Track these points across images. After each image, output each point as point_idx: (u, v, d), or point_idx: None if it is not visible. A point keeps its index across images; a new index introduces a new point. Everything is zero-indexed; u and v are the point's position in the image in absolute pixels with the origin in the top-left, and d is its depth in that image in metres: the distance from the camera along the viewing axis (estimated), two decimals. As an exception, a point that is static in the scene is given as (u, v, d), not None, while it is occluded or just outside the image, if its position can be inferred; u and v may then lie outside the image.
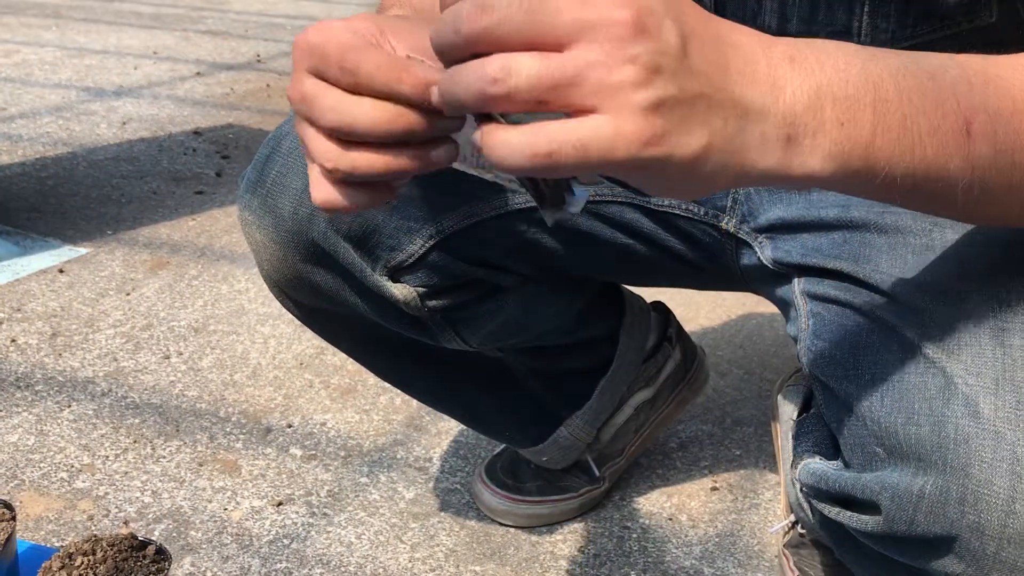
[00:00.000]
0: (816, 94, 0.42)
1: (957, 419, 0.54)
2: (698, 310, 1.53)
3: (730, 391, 1.32)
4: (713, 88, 0.40)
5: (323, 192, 0.45)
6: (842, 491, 0.62)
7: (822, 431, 0.67)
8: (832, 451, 0.65)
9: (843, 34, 0.71)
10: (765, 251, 0.75)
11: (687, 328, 1.12)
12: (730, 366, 1.38)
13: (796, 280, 0.71)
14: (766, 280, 0.77)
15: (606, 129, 0.37)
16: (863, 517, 0.60)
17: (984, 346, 0.55)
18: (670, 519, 1.05)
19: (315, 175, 0.45)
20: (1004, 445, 0.53)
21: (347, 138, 0.43)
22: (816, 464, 0.65)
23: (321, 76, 0.43)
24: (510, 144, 0.38)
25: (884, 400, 0.58)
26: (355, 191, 0.45)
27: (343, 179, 0.44)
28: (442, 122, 0.43)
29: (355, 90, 0.42)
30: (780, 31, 0.73)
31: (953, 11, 0.68)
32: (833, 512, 0.63)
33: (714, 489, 1.11)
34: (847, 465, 0.62)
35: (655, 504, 1.08)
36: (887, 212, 0.67)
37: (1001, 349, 0.55)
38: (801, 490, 0.71)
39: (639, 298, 1.02)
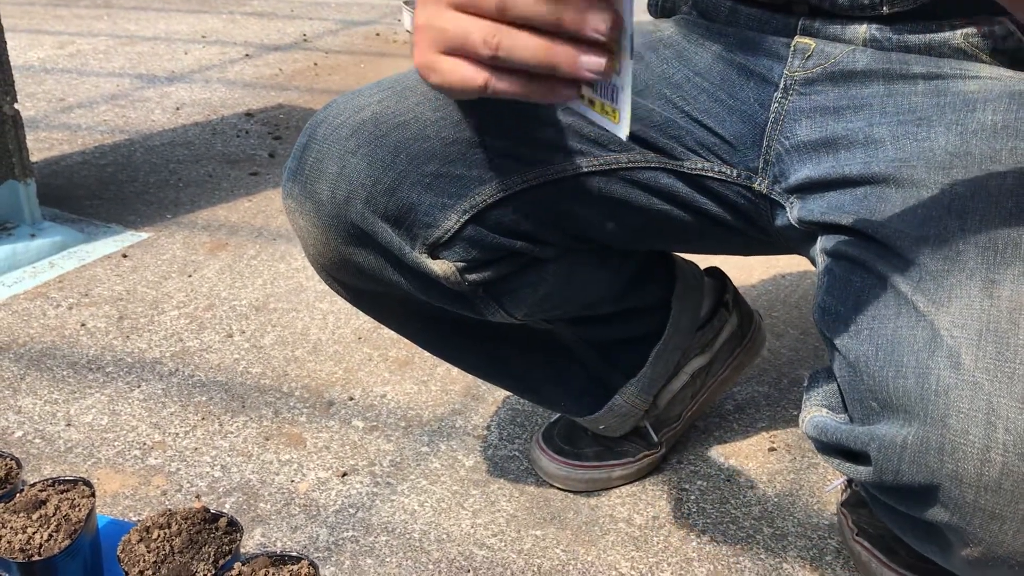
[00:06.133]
0: None
1: (939, 371, 0.55)
2: (751, 272, 1.53)
3: (786, 352, 1.31)
4: None
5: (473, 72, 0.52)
6: (838, 442, 0.63)
7: (831, 385, 0.68)
8: (841, 405, 0.66)
9: None
10: (794, 211, 0.75)
11: (741, 290, 1.12)
12: (786, 327, 1.37)
13: (820, 238, 0.72)
14: (800, 240, 0.77)
15: None
16: (859, 468, 0.62)
17: (973, 298, 0.56)
18: (728, 480, 1.06)
19: (453, 63, 0.53)
20: (981, 395, 0.53)
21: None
22: (820, 417, 0.66)
23: None
24: None
25: (878, 355, 0.58)
26: (509, 77, 0.53)
27: (500, 63, 0.52)
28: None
29: None
30: None
31: None
32: (835, 463, 0.65)
33: (772, 450, 1.11)
34: (852, 419, 0.63)
35: (713, 466, 1.08)
36: (905, 165, 0.67)
37: (989, 301, 0.55)
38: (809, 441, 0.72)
39: (693, 265, 1.02)
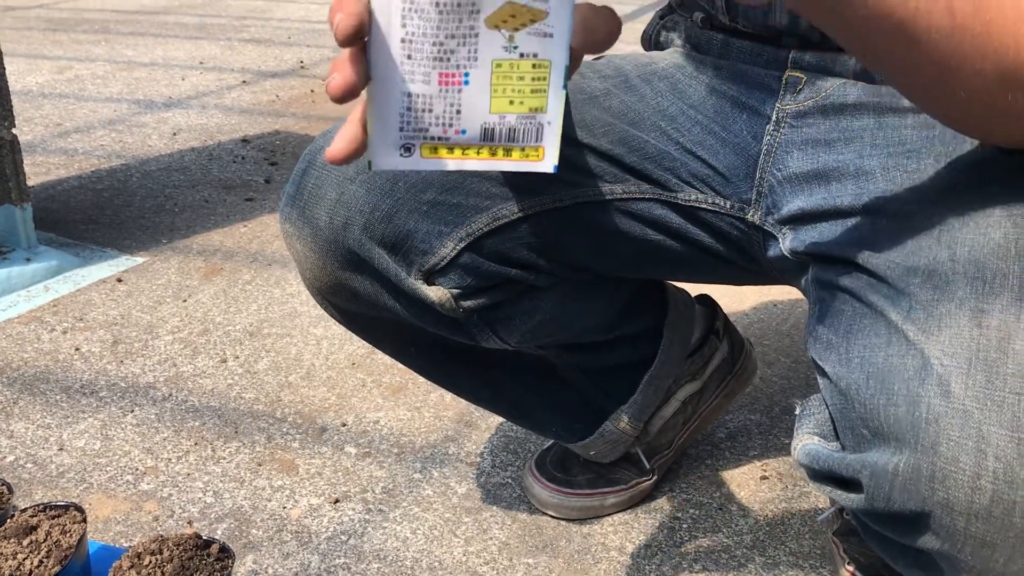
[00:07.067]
0: None
1: (930, 399, 0.55)
2: (744, 300, 1.54)
3: (778, 380, 1.32)
4: None
5: None
6: (830, 470, 0.63)
7: (823, 413, 0.68)
8: (833, 433, 0.67)
9: None
10: (786, 242, 0.76)
11: (733, 318, 1.12)
12: (777, 355, 1.38)
13: (811, 268, 0.72)
14: (792, 271, 0.78)
15: None
16: (850, 495, 0.62)
17: (962, 327, 0.56)
18: (720, 509, 1.06)
19: None
20: (971, 423, 0.54)
21: None
22: (812, 445, 0.67)
23: None
24: None
25: (869, 383, 0.59)
26: None
27: None
28: None
29: None
30: (792, 26, 0.74)
31: None
32: (827, 491, 0.65)
33: (764, 478, 1.11)
34: (843, 447, 0.64)
35: (705, 494, 1.08)
36: (896, 197, 0.68)
37: (978, 330, 0.56)
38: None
39: (684, 292, 1.03)
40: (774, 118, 0.77)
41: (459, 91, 0.51)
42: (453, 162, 0.53)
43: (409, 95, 0.50)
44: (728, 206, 0.80)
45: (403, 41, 0.49)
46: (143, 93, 2.81)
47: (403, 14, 0.48)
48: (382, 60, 0.49)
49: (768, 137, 0.77)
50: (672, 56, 0.85)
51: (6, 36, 3.51)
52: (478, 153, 0.53)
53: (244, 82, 2.96)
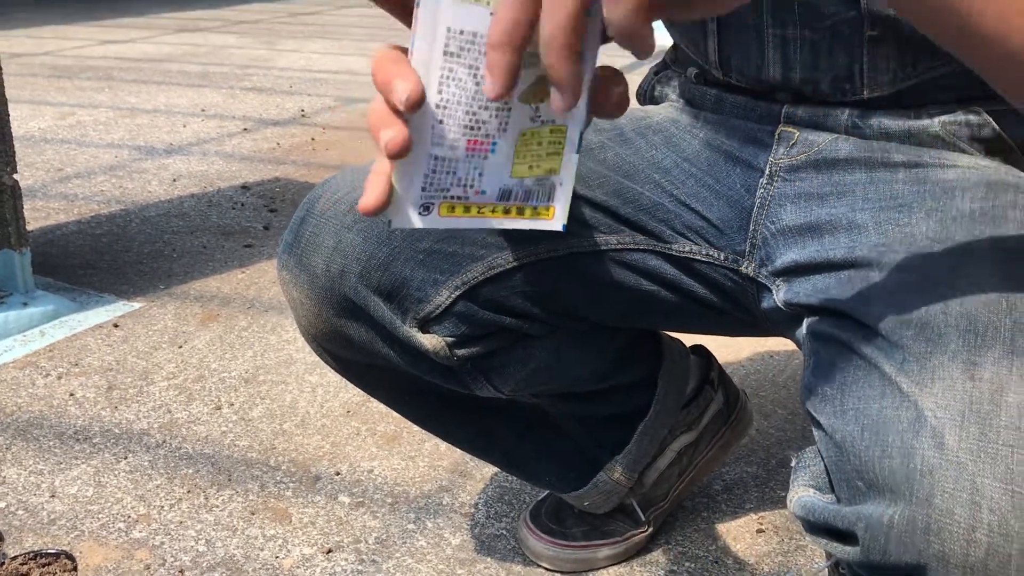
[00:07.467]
0: None
1: (924, 451, 0.56)
2: (740, 351, 1.54)
3: (774, 432, 1.32)
4: None
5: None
6: (826, 522, 0.63)
7: (819, 465, 0.68)
8: (828, 485, 0.67)
9: (846, 79, 0.73)
10: (780, 294, 0.76)
11: (729, 369, 1.12)
12: (774, 407, 1.38)
13: (805, 321, 0.73)
14: (786, 323, 0.78)
15: None
16: (846, 548, 0.62)
17: (955, 380, 0.57)
18: (716, 562, 1.05)
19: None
20: (965, 476, 0.54)
21: None
22: (808, 497, 0.67)
23: None
24: None
25: (864, 435, 0.59)
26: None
27: None
28: None
29: None
30: (785, 80, 0.76)
31: None
32: (823, 543, 0.65)
33: (760, 531, 1.10)
34: (839, 499, 0.64)
35: (701, 547, 1.08)
36: (888, 250, 0.68)
37: (971, 383, 0.56)
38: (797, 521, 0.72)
39: (679, 343, 1.03)
40: (767, 172, 0.78)
41: (485, 158, 0.52)
42: (468, 220, 0.54)
43: (436, 158, 0.51)
44: (722, 258, 0.81)
45: (437, 107, 0.50)
46: (144, 139, 2.84)
47: (440, 80, 0.49)
48: (415, 121, 0.50)
49: (761, 190, 0.78)
50: (667, 110, 0.86)
51: (11, 82, 3.55)
52: (493, 212, 0.54)
53: (245, 129, 2.99)
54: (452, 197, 0.53)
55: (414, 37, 0.48)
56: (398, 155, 0.48)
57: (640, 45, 0.44)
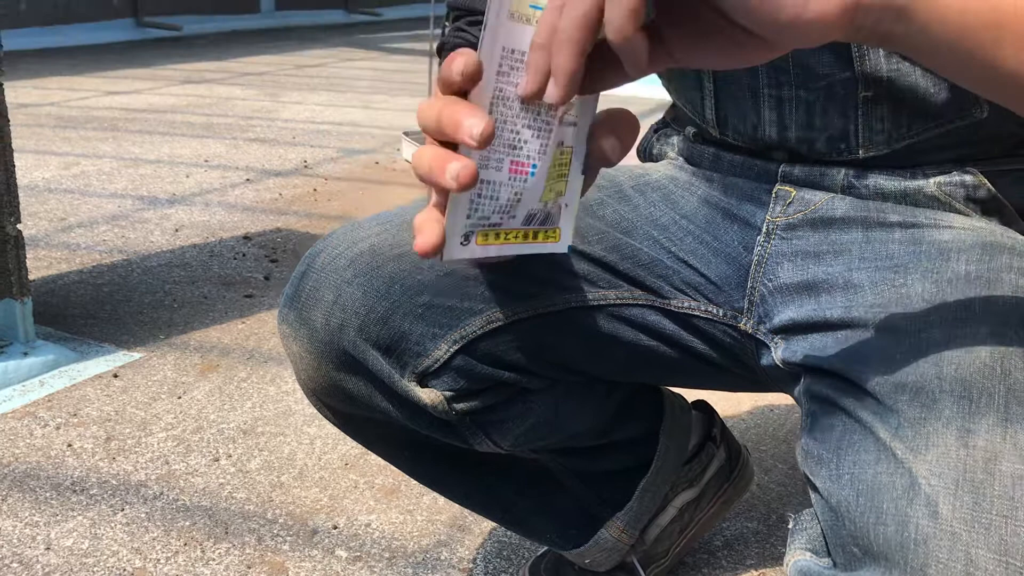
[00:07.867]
0: None
1: (918, 519, 0.56)
2: (740, 405, 1.54)
3: (775, 487, 1.31)
4: None
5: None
6: None
7: (815, 528, 0.68)
8: (825, 549, 0.66)
9: (841, 139, 0.75)
10: (778, 351, 0.76)
11: (729, 422, 1.12)
12: (774, 461, 1.37)
13: (803, 379, 0.73)
14: (785, 380, 0.78)
15: None
16: None
17: (949, 447, 0.57)
18: (716, 620, 1.04)
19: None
20: (959, 546, 0.54)
21: None
22: (804, 561, 0.66)
23: None
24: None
25: (859, 500, 0.59)
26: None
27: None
28: None
29: None
30: (781, 140, 0.77)
31: (944, 109, 0.71)
32: None
33: (760, 589, 1.10)
34: (835, 564, 0.63)
35: (701, 605, 1.07)
36: (884, 311, 0.69)
37: (964, 450, 0.56)
38: None
39: (680, 398, 1.03)
40: (764, 230, 0.79)
41: (524, 181, 0.53)
42: (495, 248, 0.55)
43: (482, 181, 0.52)
44: (721, 314, 0.81)
45: None
46: (147, 189, 2.86)
47: (492, 100, 0.50)
48: (462, 150, 0.51)
49: (759, 248, 0.79)
50: (665, 168, 0.87)
51: (18, 132, 3.59)
52: (515, 237, 0.56)
53: (248, 180, 3.02)
54: (491, 224, 0.54)
55: (480, 55, 0.49)
56: (469, 185, 0.49)
57: (631, 55, 0.45)
